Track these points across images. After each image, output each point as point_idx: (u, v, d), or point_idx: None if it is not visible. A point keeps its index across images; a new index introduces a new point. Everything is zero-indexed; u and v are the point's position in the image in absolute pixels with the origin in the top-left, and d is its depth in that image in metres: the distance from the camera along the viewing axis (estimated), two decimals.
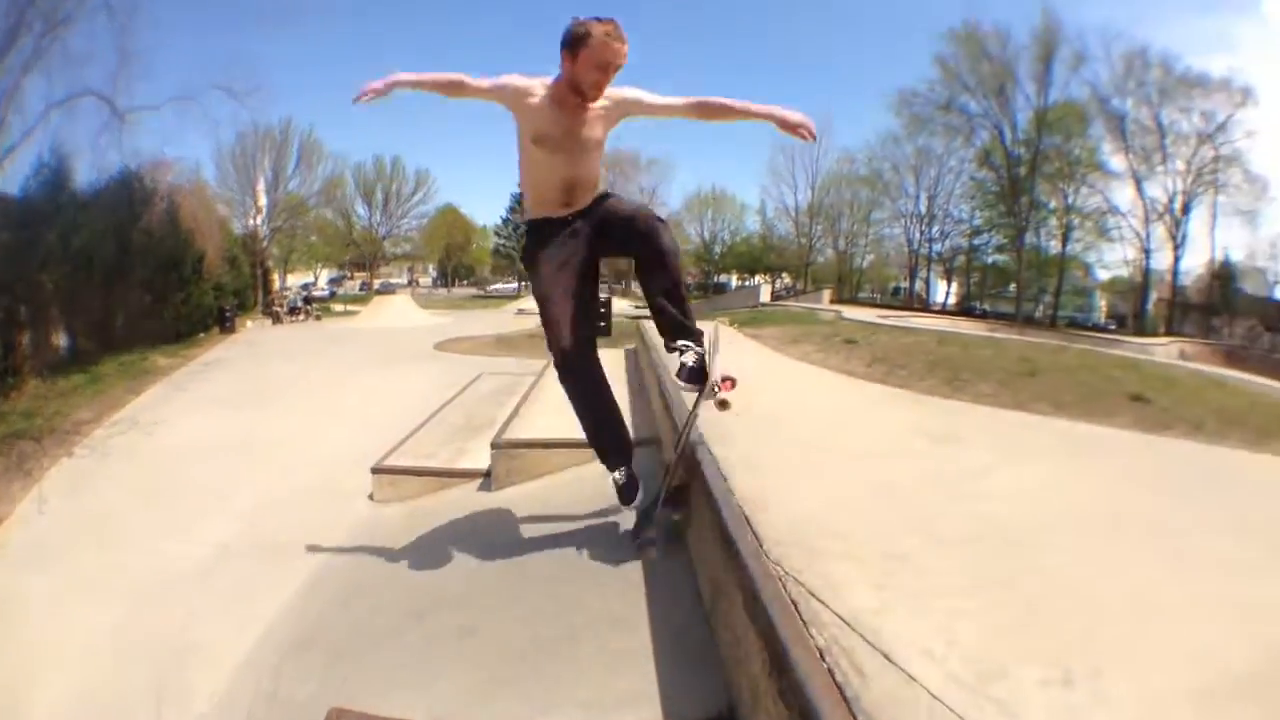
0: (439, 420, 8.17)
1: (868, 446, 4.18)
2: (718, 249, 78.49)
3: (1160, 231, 52.73)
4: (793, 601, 2.21)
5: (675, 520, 3.82)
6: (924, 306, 59.51)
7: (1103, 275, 62.00)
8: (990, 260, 61.80)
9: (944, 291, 67.02)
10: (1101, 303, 67.72)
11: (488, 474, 5.85)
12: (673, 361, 3.73)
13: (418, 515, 5.57)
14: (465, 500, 5.55)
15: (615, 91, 3.62)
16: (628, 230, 3.69)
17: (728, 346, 8.10)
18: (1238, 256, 57.48)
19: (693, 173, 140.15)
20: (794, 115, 3.59)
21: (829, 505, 3.13)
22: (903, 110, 58.53)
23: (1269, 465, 4.96)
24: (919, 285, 66.38)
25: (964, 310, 59.17)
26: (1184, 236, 52.02)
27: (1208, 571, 2.76)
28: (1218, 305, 56.34)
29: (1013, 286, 57.17)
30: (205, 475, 9.42)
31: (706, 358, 3.68)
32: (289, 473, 9.05)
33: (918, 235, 64.52)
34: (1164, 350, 27.28)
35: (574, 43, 3.38)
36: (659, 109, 3.77)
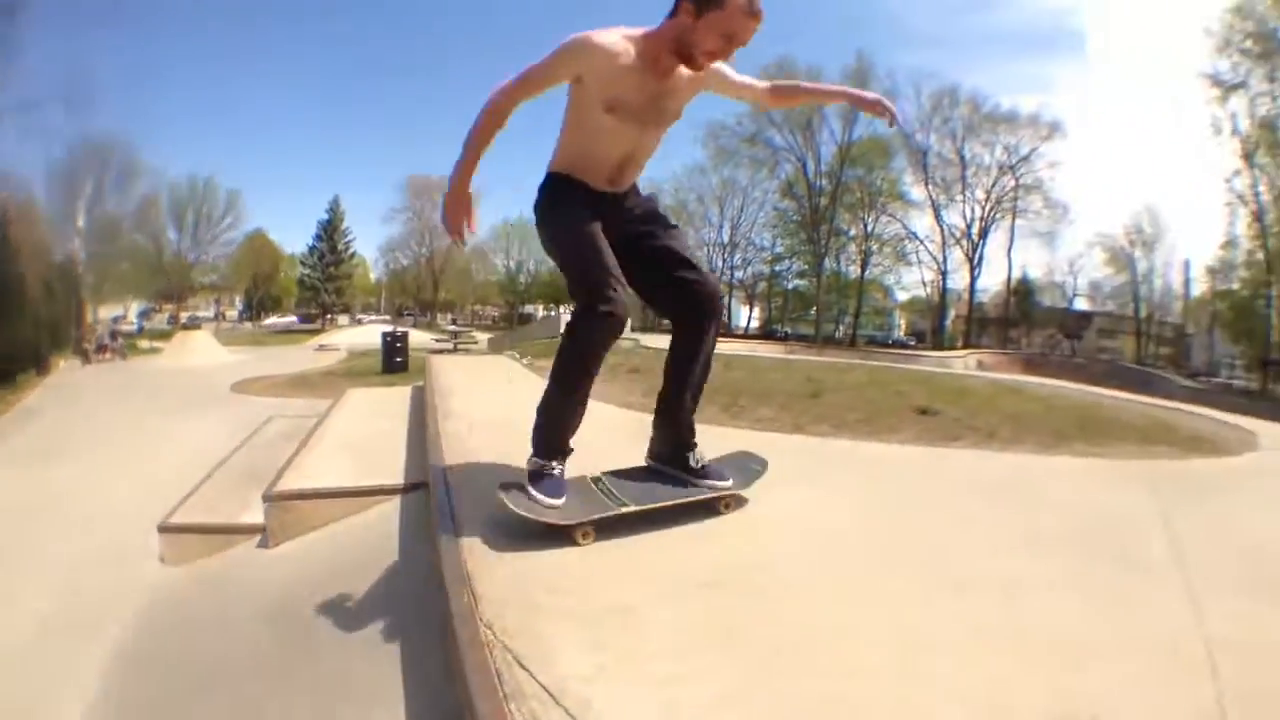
0: (226, 469, 7.75)
1: None
2: (524, 279, 78.82)
3: (958, 254, 56.60)
4: (497, 671, 2.01)
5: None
6: (727, 331, 61.21)
7: (902, 296, 66.58)
8: (791, 285, 64.55)
9: (746, 316, 69.19)
10: (901, 321, 72.34)
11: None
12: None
13: (205, 578, 5.24)
14: (249, 559, 5.20)
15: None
16: (683, 281, 3.28)
17: (507, 386, 8.24)
18: (1037, 274, 65.43)
19: (500, 200, 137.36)
20: (870, 95, 3.33)
21: (562, 551, 2.91)
22: (710, 143, 60.49)
23: (1060, 468, 5.15)
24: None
25: (766, 334, 61.37)
26: (981, 258, 57.56)
27: (987, 597, 2.73)
28: (1016, 318, 61.58)
29: (814, 310, 59.74)
30: None
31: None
32: (74, 535, 8.43)
33: (720, 263, 66.63)
34: (961, 362, 29.03)
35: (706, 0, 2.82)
36: (738, 88, 3.39)
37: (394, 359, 23.35)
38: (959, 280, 59.81)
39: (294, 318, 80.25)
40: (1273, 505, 4.52)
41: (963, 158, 56.36)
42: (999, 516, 3.82)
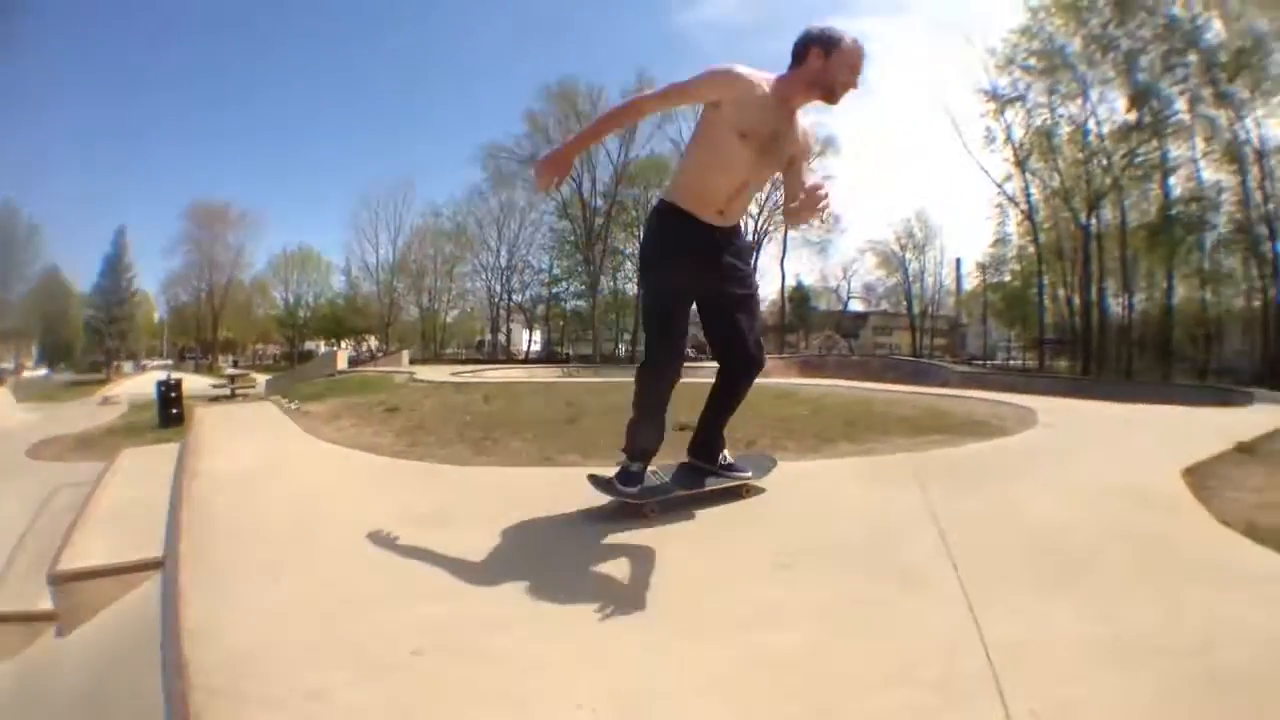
0: (22, 550, 6.89)
1: (341, 542, 3.57)
2: (303, 313, 74.33)
3: None
4: None
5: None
6: (509, 357, 61.03)
7: None
8: (571, 307, 64.77)
9: (527, 340, 69.01)
10: None
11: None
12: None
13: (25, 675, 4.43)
14: (51, 648, 4.49)
15: (811, 130, 3.76)
16: (738, 343, 3.81)
17: (246, 436, 7.62)
18: (812, 281, 69.55)
19: (282, 229, 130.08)
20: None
21: (275, 627, 2.66)
22: (489, 164, 59.88)
23: (817, 471, 5.01)
24: (502, 336, 67.61)
25: (548, 357, 61.41)
26: (754, 269, 58.00)
27: (727, 637, 2.50)
28: (794, 323, 64.73)
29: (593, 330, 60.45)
30: None
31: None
32: None
33: (499, 287, 65.92)
34: None
35: (831, 41, 3.36)
36: (803, 171, 3.69)
37: (169, 411, 20.53)
38: None
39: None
40: (1048, 486, 4.50)
41: None
42: (748, 538, 3.59)
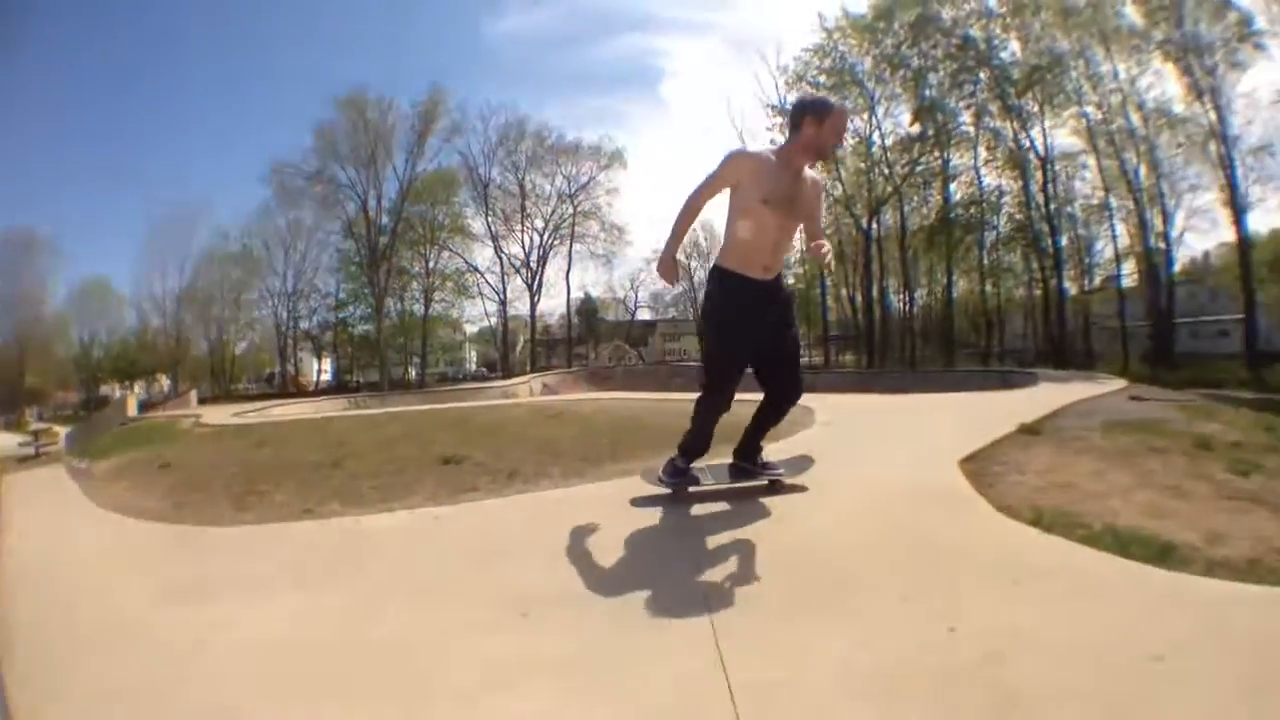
0: None
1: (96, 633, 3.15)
2: (98, 353, 65.96)
3: (519, 282, 58.07)
4: None
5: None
6: (299, 389, 58.15)
7: (470, 329, 66.88)
8: (359, 331, 61.88)
9: (316, 370, 65.85)
10: (473, 354, 73.08)
11: None
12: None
13: None
14: None
15: (819, 182, 4.40)
16: (783, 376, 4.50)
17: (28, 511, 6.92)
18: (599, 292, 69.47)
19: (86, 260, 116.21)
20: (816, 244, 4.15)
21: None
22: (274, 180, 56.47)
23: (580, 499, 4.87)
24: (291, 367, 64.11)
25: (338, 386, 59.02)
26: (540, 283, 57.70)
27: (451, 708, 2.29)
28: (582, 335, 65.03)
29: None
30: None
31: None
32: None
33: (286, 314, 62.21)
34: (526, 387, 28.91)
35: (823, 110, 4.06)
36: (816, 224, 4.37)
37: None
38: (523, 307, 61.19)
39: None
40: (820, 494, 4.53)
41: (523, 188, 57.75)
42: (488, 582, 3.39)
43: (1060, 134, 39.68)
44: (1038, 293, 42.49)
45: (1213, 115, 33.23)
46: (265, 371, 69.53)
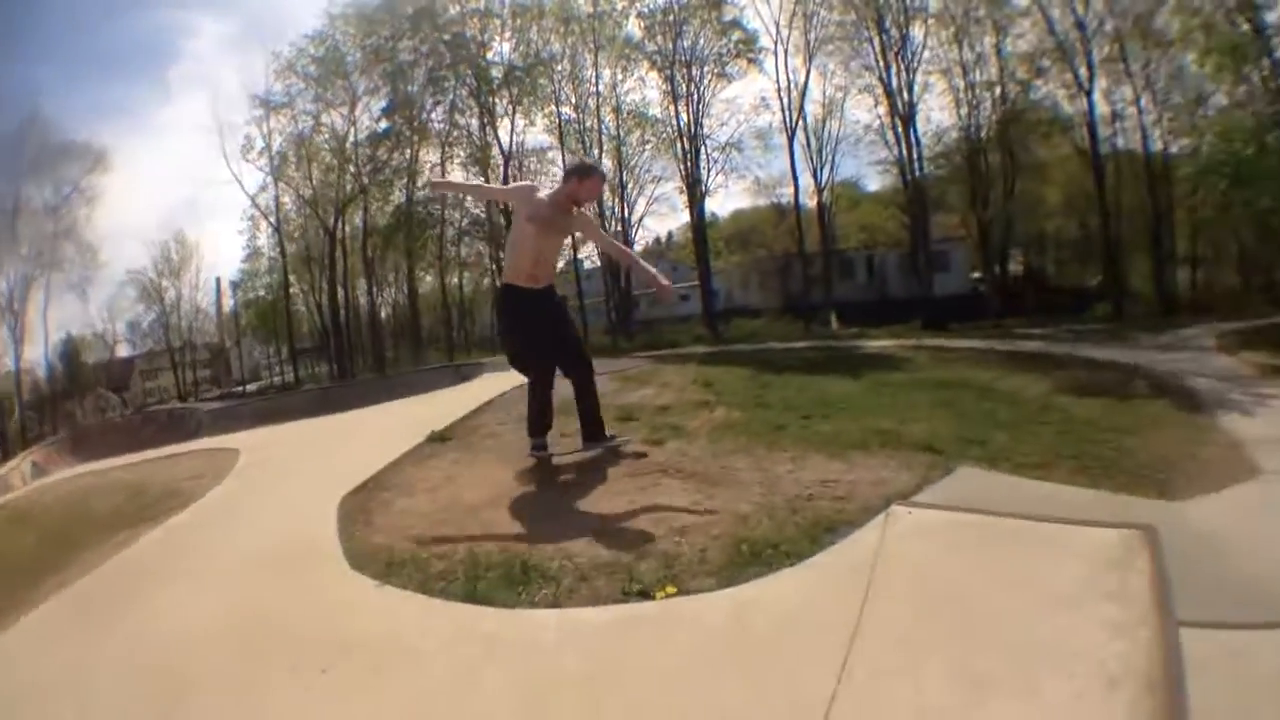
0: None
1: None
2: None
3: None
4: None
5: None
6: None
7: None
8: None
9: None
10: None
11: None
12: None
13: None
14: None
15: (584, 211, 6.06)
16: (569, 355, 5.98)
17: None
18: (79, 330, 56.10)
19: None
20: (663, 282, 6.12)
21: None
22: None
23: None
24: None
25: None
26: (22, 329, 46.33)
27: None
28: (70, 389, 54.95)
29: None
30: None
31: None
32: None
33: None
34: (17, 472, 23.43)
35: (585, 172, 5.77)
36: (600, 240, 7.15)
37: None
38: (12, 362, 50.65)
39: None
40: (188, 581, 4.26)
41: (17, 202, 45.86)
42: None
43: (533, 131, 41.36)
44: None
45: (686, 117, 36.86)
46: None
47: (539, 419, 5.90)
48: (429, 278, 45.01)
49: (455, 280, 45.26)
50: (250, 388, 51.09)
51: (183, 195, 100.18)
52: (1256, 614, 3.53)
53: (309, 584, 3.89)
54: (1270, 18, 16.81)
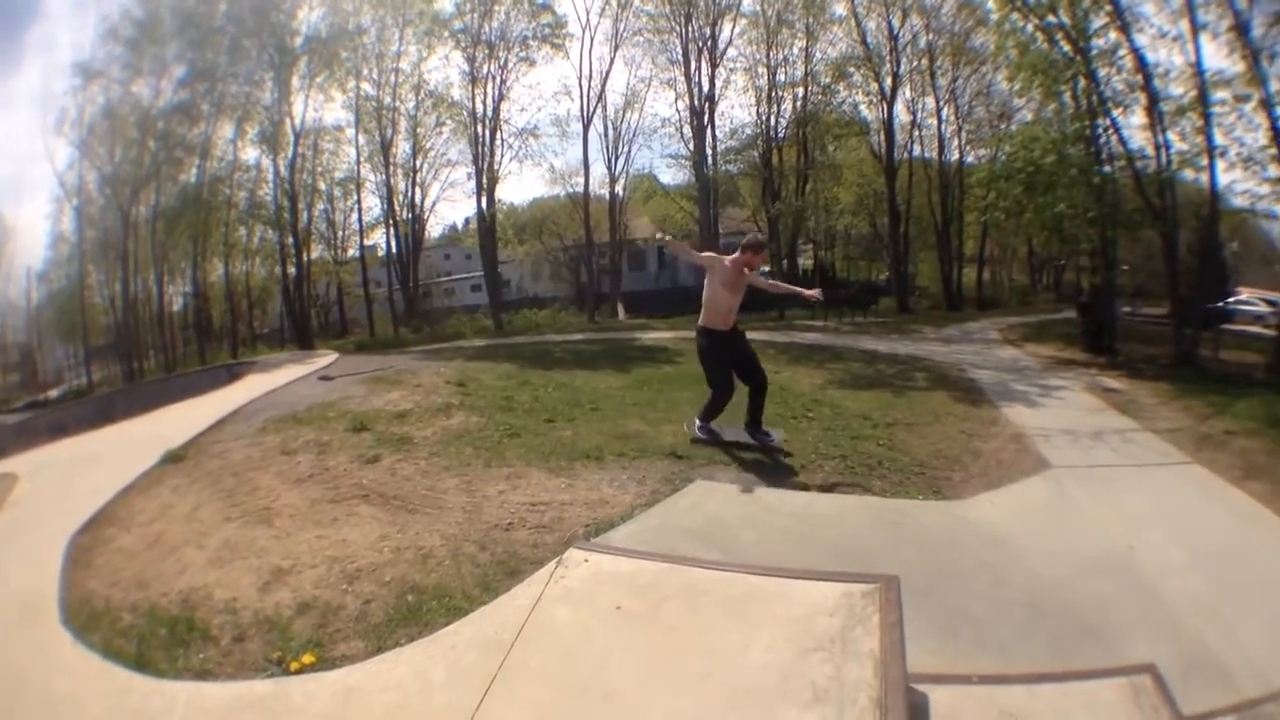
0: None
1: None
2: None
3: None
4: None
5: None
6: None
7: None
8: None
9: None
10: None
11: None
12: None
13: None
14: None
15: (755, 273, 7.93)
16: (750, 367, 7.69)
17: None
18: None
19: None
20: (808, 292, 8.13)
21: None
22: None
23: None
24: None
25: None
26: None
27: None
28: None
29: None
30: None
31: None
32: None
33: None
34: None
35: (758, 248, 7.69)
36: (762, 287, 8.39)
37: None
38: None
39: None
40: None
41: None
42: None
43: (330, 108, 38.92)
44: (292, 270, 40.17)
45: (485, 100, 35.90)
46: None
47: (712, 412, 7.73)
48: (222, 266, 41.66)
49: (245, 268, 41.53)
50: (54, 394, 46.40)
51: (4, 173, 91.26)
52: (1039, 651, 3.67)
53: (26, 644, 3.70)
54: (1099, 43, 18.03)
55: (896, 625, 2.81)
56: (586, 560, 3.58)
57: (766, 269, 37.63)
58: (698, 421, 7.80)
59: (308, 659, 3.42)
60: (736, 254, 7.52)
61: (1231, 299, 24.75)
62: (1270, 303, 24.53)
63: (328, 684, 3.22)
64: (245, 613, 3.83)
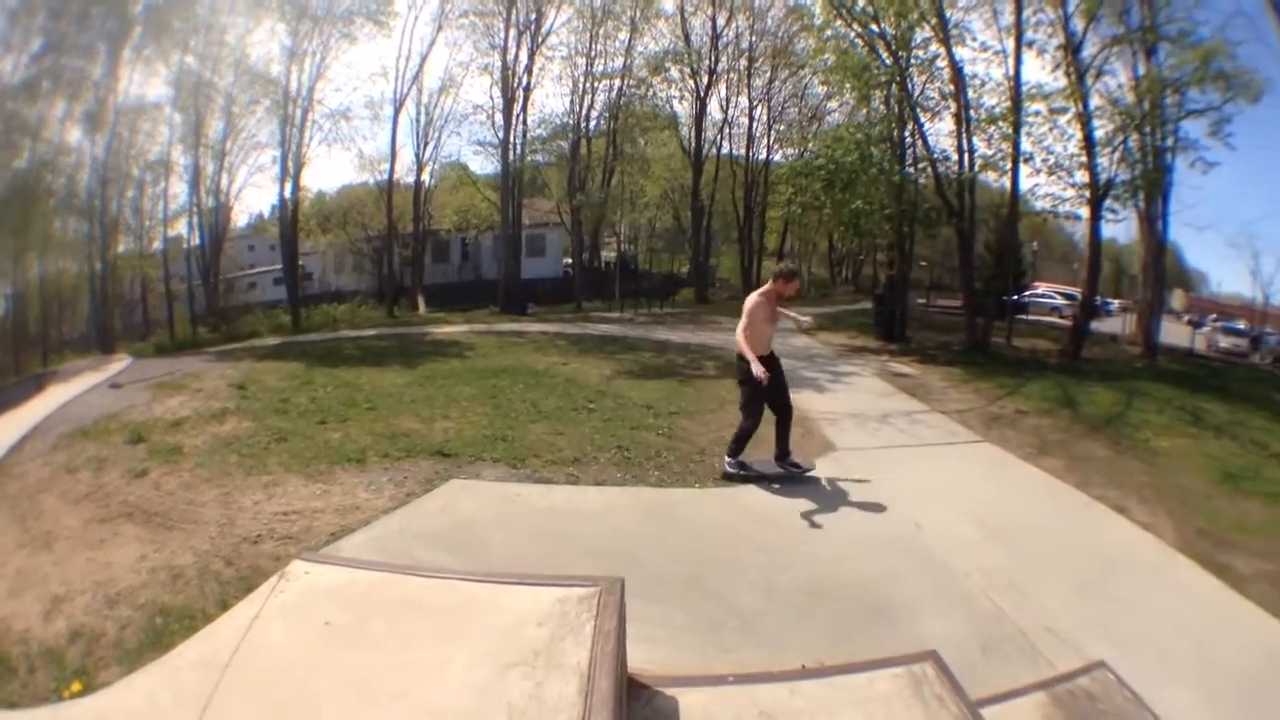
0: None
1: None
2: None
3: None
4: None
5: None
6: None
7: None
8: None
9: None
10: None
11: None
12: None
13: None
14: None
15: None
16: (782, 402, 7.47)
17: None
18: None
19: None
20: (802, 319, 8.43)
21: None
22: None
23: None
24: None
25: None
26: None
27: None
28: None
29: None
30: None
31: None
32: None
33: None
34: None
35: (790, 276, 7.67)
36: (785, 312, 7.95)
37: None
38: None
39: None
40: None
41: None
42: None
43: (154, 85, 36.15)
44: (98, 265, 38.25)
45: (299, 80, 33.89)
46: None
47: (742, 443, 7.34)
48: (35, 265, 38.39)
49: (57, 266, 38.59)
50: None
51: None
52: (817, 640, 3.72)
53: None
54: (920, 54, 18.57)
55: (613, 634, 2.57)
56: (307, 573, 3.20)
57: (569, 260, 37.45)
58: (728, 459, 7.41)
59: (76, 687, 3.47)
60: (767, 285, 7.65)
61: (1028, 292, 26.59)
62: (1067, 296, 26.45)
63: (83, 711, 3.21)
64: (34, 643, 3.86)
